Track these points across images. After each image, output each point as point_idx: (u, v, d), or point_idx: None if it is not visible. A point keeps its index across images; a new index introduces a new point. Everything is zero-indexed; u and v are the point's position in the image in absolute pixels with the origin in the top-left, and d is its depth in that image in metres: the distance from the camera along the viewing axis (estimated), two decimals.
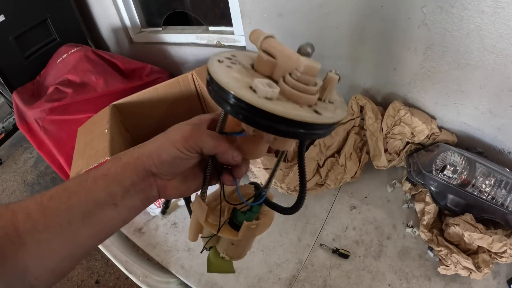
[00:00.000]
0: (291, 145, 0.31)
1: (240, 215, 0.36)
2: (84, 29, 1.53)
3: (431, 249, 0.73)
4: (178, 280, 0.75)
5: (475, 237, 0.66)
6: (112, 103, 0.92)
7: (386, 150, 0.81)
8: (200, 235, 0.40)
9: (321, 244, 0.75)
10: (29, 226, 0.27)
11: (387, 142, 0.81)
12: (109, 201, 0.29)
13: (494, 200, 0.71)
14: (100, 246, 0.83)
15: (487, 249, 0.67)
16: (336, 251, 0.74)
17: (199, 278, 0.73)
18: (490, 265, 0.64)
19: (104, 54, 1.16)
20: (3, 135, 2.12)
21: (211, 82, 0.25)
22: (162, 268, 0.78)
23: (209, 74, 0.25)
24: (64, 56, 1.20)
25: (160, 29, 1.36)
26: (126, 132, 0.96)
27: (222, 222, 0.36)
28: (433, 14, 0.67)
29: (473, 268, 0.64)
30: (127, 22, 1.40)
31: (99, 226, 0.30)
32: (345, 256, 0.73)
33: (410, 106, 0.83)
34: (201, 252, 0.40)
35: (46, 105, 1.04)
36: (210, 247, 0.40)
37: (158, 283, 0.74)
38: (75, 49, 1.19)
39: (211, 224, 0.35)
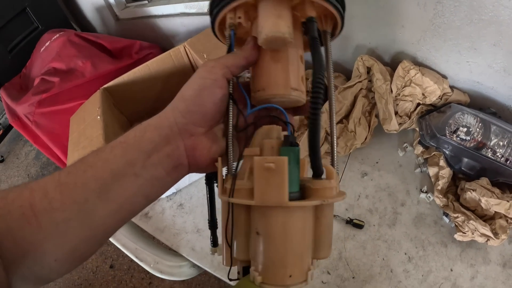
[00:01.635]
0: (281, 26, 0.26)
1: None
2: (67, 13, 1.45)
3: (446, 214, 0.71)
4: (190, 263, 0.74)
5: (492, 202, 0.64)
6: (102, 87, 0.88)
7: (396, 113, 0.76)
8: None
9: (334, 215, 0.73)
10: (46, 205, 0.24)
11: (397, 104, 0.76)
12: (128, 171, 0.26)
13: (509, 163, 0.68)
14: None
15: (504, 215, 0.65)
16: (350, 222, 0.72)
17: (212, 259, 0.71)
18: (507, 231, 0.63)
19: (89, 36, 1.09)
20: (1, 131, 2.07)
21: None
22: (173, 252, 0.76)
23: None
24: (47, 43, 1.14)
25: (146, 1, 1.27)
26: (121, 115, 0.92)
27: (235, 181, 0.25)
28: None
29: (491, 235, 0.63)
30: None
31: (118, 203, 0.26)
32: (359, 226, 0.71)
33: (420, 65, 0.78)
34: (230, 281, 0.29)
35: (34, 98, 0.99)
36: (246, 270, 0.27)
37: (170, 268, 0.72)
38: (58, 35, 1.12)
39: (227, 189, 0.26)
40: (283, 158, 0.23)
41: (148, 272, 0.74)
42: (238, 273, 0.28)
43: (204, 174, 0.33)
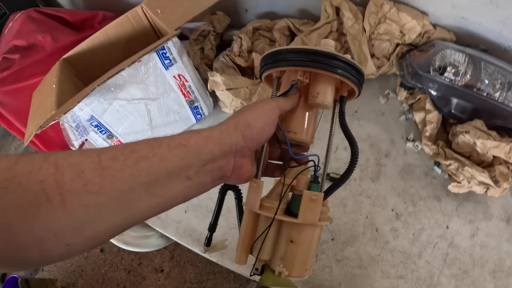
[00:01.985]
0: (329, 97, 0.35)
1: (299, 201, 0.34)
2: None
3: (438, 164, 0.64)
4: (157, 233, 0.69)
5: (489, 145, 0.56)
6: (61, 58, 0.83)
7: (373, 55, 0.69)
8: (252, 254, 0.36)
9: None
10: (79, 186, 0.22)
11: (373, 45, 0.69)
12: (182, 173, 0.27)
13: (506, 102, 0.60)
14: None
15: (505, 160, 0.57)
16: (326, 176, 0.65)
17: (177, 226, 0.66)
18: (509, 179, 0.55)
19: (48, 11, 1.05)
20: None
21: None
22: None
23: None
24: (10, 24, 1.10)
25: None
26: (85, 86, 0.87)
27: (279, 204, 0.33)
28: None
29: (490, 182, 0.55)
30: None
31: (162, 199, 0.27)
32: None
33: (396, 2, 0.70)
34: (250, 276, 0.36)
35: None
36: (262, 268, 0.35)
37: (135, 238, 0.67)
38: (19, 14, 1.08)
39: (267, 207, 0.34)
40: (322, 194, 0.33)
41: (138, 253, 0.69)
42: (257, 269, 0.35)
43: None
